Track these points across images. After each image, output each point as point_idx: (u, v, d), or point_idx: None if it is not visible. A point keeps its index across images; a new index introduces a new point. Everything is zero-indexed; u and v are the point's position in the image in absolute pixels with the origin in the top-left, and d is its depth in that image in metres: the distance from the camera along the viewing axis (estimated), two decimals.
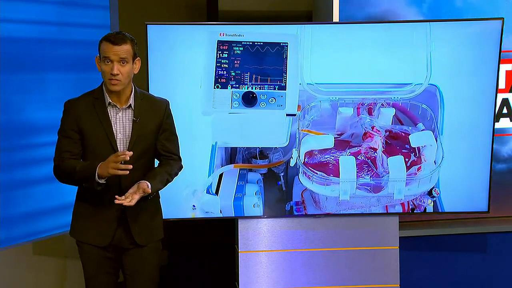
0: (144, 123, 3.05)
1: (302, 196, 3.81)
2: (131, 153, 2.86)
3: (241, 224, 3.83)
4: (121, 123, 3.04)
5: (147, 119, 3.07)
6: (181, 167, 3.22)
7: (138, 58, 3.04)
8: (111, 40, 2.93)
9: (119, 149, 3.01)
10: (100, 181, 2.91)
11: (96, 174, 2.89)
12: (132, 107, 3.05)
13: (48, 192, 3.74)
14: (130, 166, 2.86)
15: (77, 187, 3.11)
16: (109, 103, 3.02)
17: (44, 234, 3.76)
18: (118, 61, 2.94)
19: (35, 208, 3.70)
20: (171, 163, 3.15)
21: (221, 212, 3.76)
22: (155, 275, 3.19)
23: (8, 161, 3.55)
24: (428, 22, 3.73)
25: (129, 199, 2.89)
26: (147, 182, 2.97)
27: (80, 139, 3.02)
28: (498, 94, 3.92)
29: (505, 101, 4.29)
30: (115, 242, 3.07)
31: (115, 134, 3.02)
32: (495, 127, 3.85)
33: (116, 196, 2.88)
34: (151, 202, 3.11)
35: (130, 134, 3.03)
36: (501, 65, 3.83)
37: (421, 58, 3.72)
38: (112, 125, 3.02)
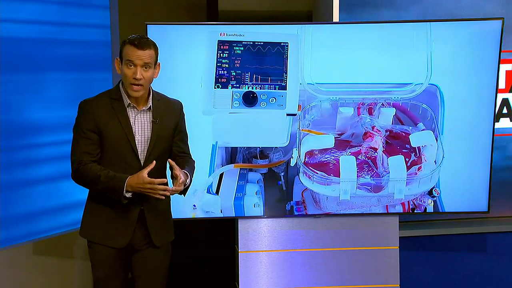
0: (162, 125, 3.05)
1: (302, 195, 3.81)
2: (153, 163, 2.88)
3: (241, 224, 3.83)
4: (140, 124, 3.02)
5: (165, 120, 3.06)
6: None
7: (159, 63, 3.03)
8: (135, 44, 2.91)
9: (138, 150, 3.00)
10: (127, 195, 2.89)
11: (125, 188, 2.87)
12: (151, 108, 3.04)
13: (48, 192, 3.74)
14: (168, 193, 2.88)
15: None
16: (129, 104, 3.01)
17: (44, 234, 3.76)
18: (142, 65, 2.92)
19: (35, 208, 3.70)
20: (189, 160, 3.16)
21: (221, 212, 3.76)
22: (164, 277, 3.18)
23: (8, 161, 3.55)
24: (428, 22, 3.73)
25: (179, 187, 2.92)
26: (186, 172, 2.99)
27: (99, 140, 2.99)
28: (498, 94, 3.93)
29: (505, 101, 4.30)
30: (131, 243, 3.05)
31: (134, 136, 3.00)
32: (495, 127, 3.85)
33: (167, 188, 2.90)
34: (165, 202, 3.11)
35: (149, 136, 3.02)
36: (501, 65, 3.83)
37: (421, 58, 3.72)
38: (132, 126, 3.01)
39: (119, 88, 3.03)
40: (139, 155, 3.00)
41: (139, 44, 2.91)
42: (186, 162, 3.13)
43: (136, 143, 3.00)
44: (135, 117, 3.02)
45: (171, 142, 3.11)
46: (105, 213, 3.02)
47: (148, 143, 3.01)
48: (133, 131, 3.00)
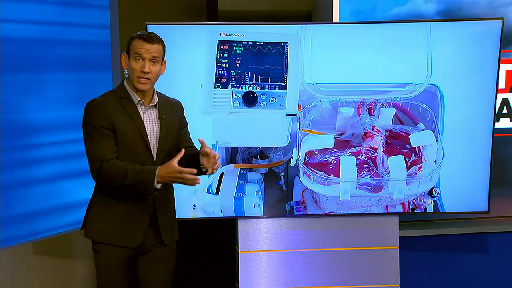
0: (168, 121, 3.06)
1: (302, 195, 3.81)
2: (182, 151, 2.88)
3: (241, 224, 3.83)
4: (148, 121, 3.03)
5: (170, 117, 3.08)
6: None
7: (165, 60, 3.04)
8: (144, 38, 2.94)
9: (151, 146, 3.00)
10: (158, 187, 2.86)
11: (156, 179, 2.85)
12: (157, 105, 3.05)
13: (48, 192, 3.74)
14: (199, 181, 2.85)
15: (93, 185, 3.03)
16: (139, 101, 3.01)
17: (44, 234, 3.75)
18: (150, 59, 2.94)
19: (35, 208, 3.69)
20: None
21: (221, 212, 3.76)
22: (170, 278, 3.15)
23: (8, 161, 3.55)
24: (428, 22, 3.74)
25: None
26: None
27: (114, 137, 2.95)
28: (498, 94, 3.93)
29: (505, 101, 4.30)
30: (142, 242, 3.01)
31: (147, 132, 3.01)
32: (495, 127, 3.85)
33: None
34: (171, 200, 3.12)
35: (158, 132, 3.02)
36: (501, 65, 3.84)
37: (421, 58, 3.72)
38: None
39: (125, 86, 3.02)
40: (152, 151, 3.01)
41: (148, 38, 2.94)
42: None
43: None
44: (143, 114, 3.02)
45: (178, 139, 3.12)
46: (116, 211, 2.97)
47: (158, 139, 3.02)
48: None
